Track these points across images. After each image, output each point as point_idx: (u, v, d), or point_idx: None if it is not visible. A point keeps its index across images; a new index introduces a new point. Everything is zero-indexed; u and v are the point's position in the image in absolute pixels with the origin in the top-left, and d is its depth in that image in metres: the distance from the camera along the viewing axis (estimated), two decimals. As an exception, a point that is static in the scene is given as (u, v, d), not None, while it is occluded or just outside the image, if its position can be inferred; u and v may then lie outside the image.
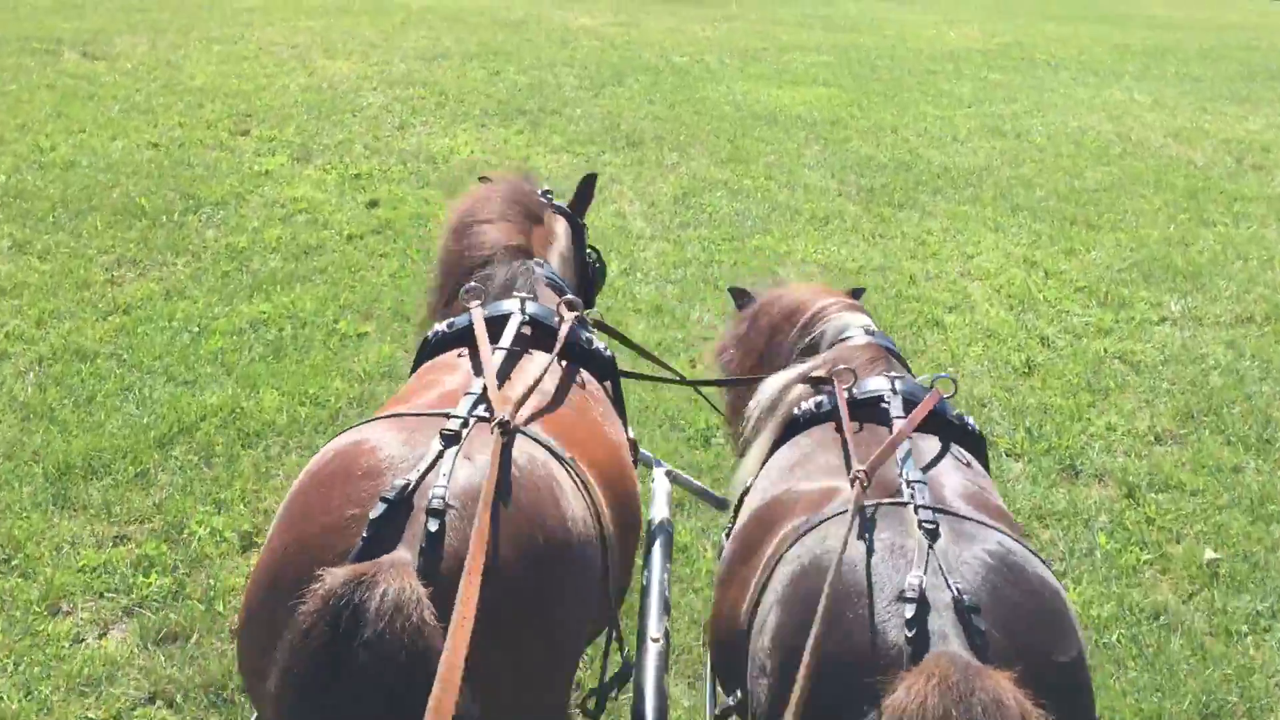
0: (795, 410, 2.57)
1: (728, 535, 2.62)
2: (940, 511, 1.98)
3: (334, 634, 1.59)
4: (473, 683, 1.61)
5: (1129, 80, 15.93)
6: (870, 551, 1.88)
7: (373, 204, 8.34)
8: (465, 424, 2.01)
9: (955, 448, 2.38)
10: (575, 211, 3.43)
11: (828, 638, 1.74)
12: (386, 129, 10.48)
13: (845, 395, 2.43)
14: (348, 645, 1.58)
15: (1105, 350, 6.65)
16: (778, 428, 2.63)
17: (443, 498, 1.80)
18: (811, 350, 2.89)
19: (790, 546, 2.05)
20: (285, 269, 6.98)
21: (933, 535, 1.89)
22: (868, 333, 2.84)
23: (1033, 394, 6.04)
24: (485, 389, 2.15)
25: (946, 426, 2.42)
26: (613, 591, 2.28)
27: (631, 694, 2.57)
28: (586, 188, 3.50)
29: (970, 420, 2.51)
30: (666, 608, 2.72)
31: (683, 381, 3.51)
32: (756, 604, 2.06)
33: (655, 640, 2.56)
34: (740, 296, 3.42)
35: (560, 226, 3.27)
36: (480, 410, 2.10)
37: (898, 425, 2.29)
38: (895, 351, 2.79)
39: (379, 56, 13.63)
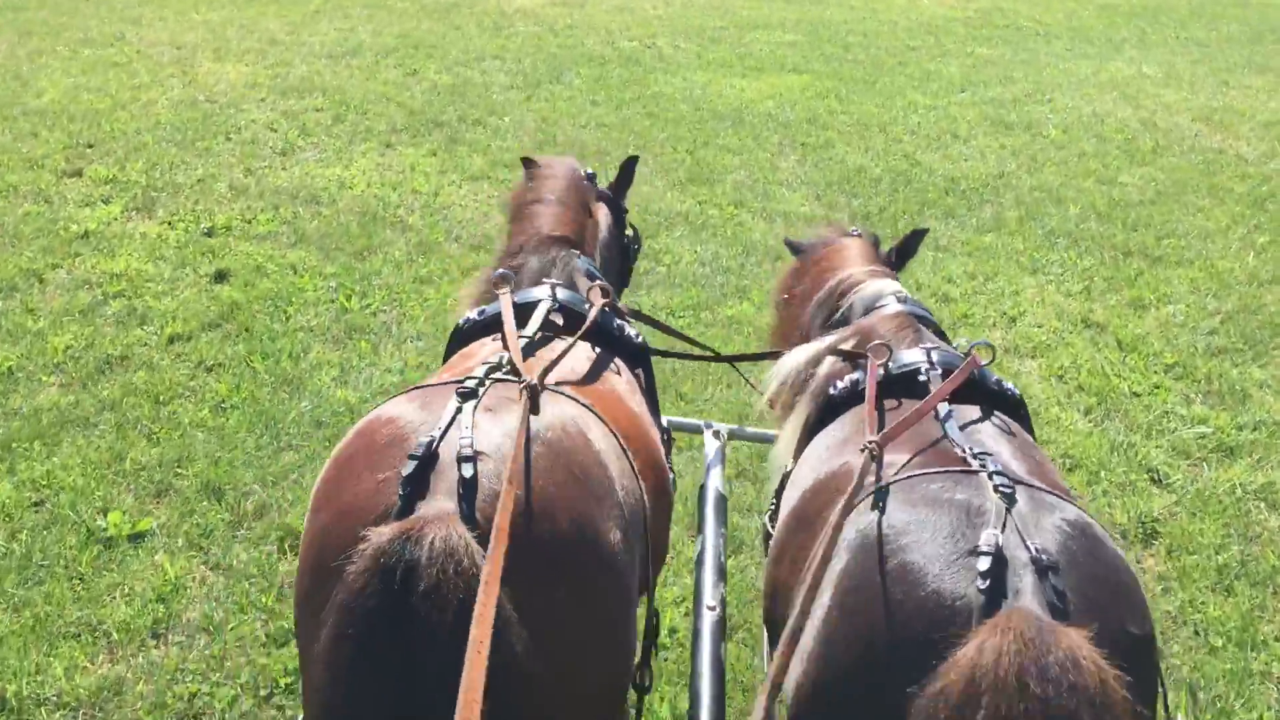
0: (831, 390, 2.40)
1: (770, 518, 2.52)
2: (1017, 480, 1.83)
3: (389, 590, 1.51)
4: (526, 636, 1.59)
5: (1130, 49, 13.67)
6: (946, 510, 1.75)
7: (220, 277, 6.00)
8: (482, 383, 1.94)
9: (999, 416, 2.20)
10: (615, 195, 3.27)
11: (895, 589, 1.65)
12: (264, 156, 8.09)
13: (880, 372, 2.29)
14: (405, 599, 1.51)
15: (1239, 488, 4.46)
16: (814, 407, 2.45)
17: (470, 445, 1.72)
18: (843, 322, 2.71)
19: (854, 513, 1.87)
20: (57, 408, 4.67)
21: (1009, 500, 1.75)
22: (899, 300, 2.65)
23: (1167, 594, 3.84)
24: (502, 359, 2.07)
25: (988, 395, 2.26)
26: (651, 561, 2.15)
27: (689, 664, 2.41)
28: (628, 170, 3.32)
29: (1010, 385, 2.33)
30: (722, 574, 2.56)
31: (717, 358, 3.34)
32: (816, 571, 1.81)
33: (711, 608, 2.43)
34: (795, 249, 3.23)
35: (603, 213, 3.13)
36: (498, 374, 2.02)
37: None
38: (930, 319, 2.63)
39: (278, 56, 11.19)
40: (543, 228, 2.84)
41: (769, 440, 3.18)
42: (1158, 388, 5.24)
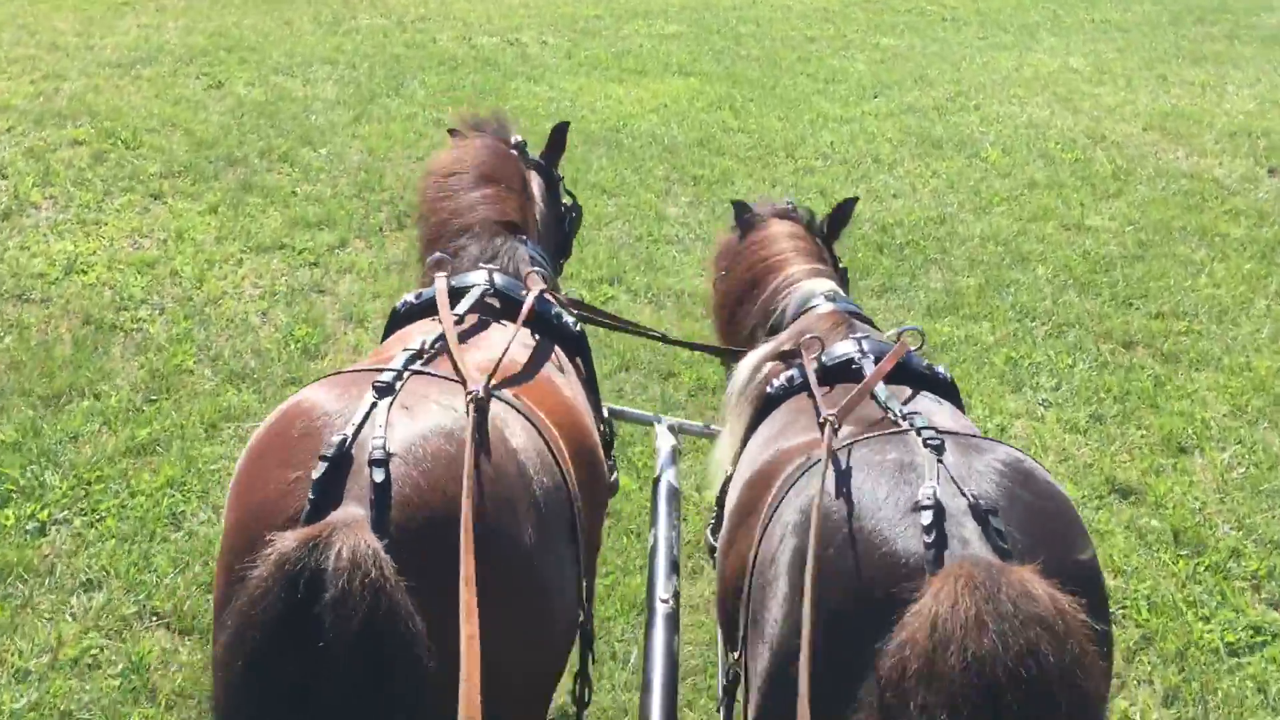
0: (768, 388, 2.32)
1: (713, 530, 2.50)
2: (943, 431, 1.82)
3: (292, 598, 1.42)
4: (432, 643, 1.50)
5: (1046, 36, 11.85)
6: (880, 471, 1.73)
7: None
8: (399, 375, 1.82)
9: (930, 395, 2.15)
10: (547, 162, 3.07)
11: (843, 555, 1.63)
12: (-23, 223, 5.79)
13: (815, 364, 2.25)
14: (309, 609, 1.42)
15: None
16: (752, 406, 2.38)
17: (382, 447, 1.61)
18: (777, 327, 2.65)
19: (788, 492, 1.86)
20: None
21: (939, 450, 1.74)
22: (829, 299, 2.60)
23: None
24: (422, 345, 1.96)
25: (918, 379, 2.19)
26: (584, 564, 2.02)
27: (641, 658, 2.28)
28: (559, 136, 3.09)
29: (941, 369, 2.27)
30: (675, 568, 2.48)
31: (664, 340, 3.29)
32: (759, 556, 1.84)
33: (664, 601, 2.36)
34: (742, 211, 3.05)
35: (536, 184, 2.93)
36: (417, 365, 1.91)
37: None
38: (860, 314, 2.58)
39: (51, 66, 8.69)
40: (481, 212, 2.63)
41: (715, 434, 3.03)
42: (1235, 610, 3.32)
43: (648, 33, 11.42)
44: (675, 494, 2.76)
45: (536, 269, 2.50)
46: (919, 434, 1.79)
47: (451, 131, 3.00)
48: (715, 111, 8.52)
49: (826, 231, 2.94)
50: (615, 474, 2.55)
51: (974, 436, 1.83)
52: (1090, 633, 1.45)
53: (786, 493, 1.85)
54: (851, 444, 1.81)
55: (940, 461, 1.70)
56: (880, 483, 1.69)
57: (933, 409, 2.03)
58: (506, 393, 1.98)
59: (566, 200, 3.10)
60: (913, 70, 10.11)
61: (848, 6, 13.54)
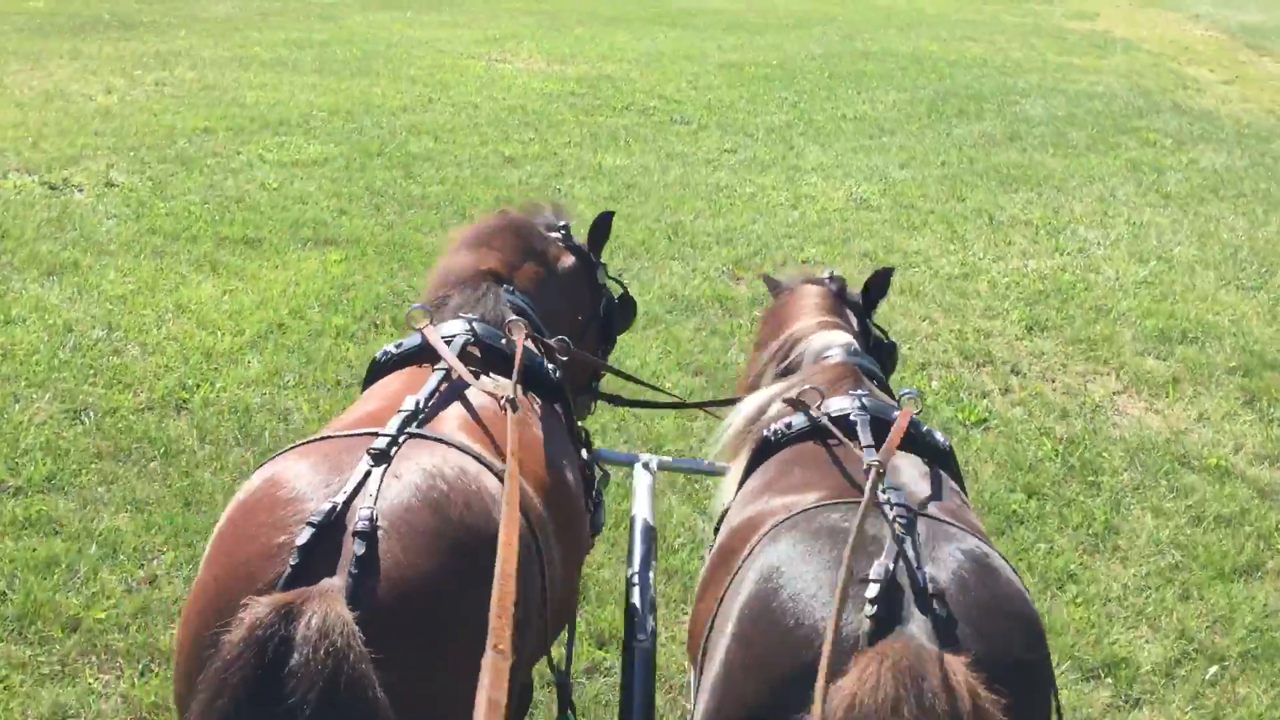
0: (766, 431, 2.22)
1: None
2: (916, 513, 1.73)
3: (261, 663, 1.37)
4: (381, 698, 1.41)
5: (806, 144, 8.99)
6: (840, 541, 1.64)
7: None
8: (394, 442, 1.72)
9: (925, 463, 2.03)
10: (589, 247, 2.88)
11: (786, 619, 1.57)
12: None
13: (812, 417, 2.16)
14: (275, 674, 1.36)
15: None
16: (752, 449, 2.28)
17: (369, 519, 1.54)
18: (789, 372, 2.52)
19: (756, 547, 1.78)
20: None
21: (908, 529, 1.65)
22: (847, 352, 2.46)
23: None
24: (417, 405, 1.85)
25: (917, 443, 2.08)
26: (551, 611, 1.89)
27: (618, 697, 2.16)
28: (602, 225, 2.89)
29: (940, 435, 2.15)
30: (652, 607, 2.35)
31: (681, 405, 3.35)
32: (721, 607, 1.78)
33: (640, 641, 2.24)
34: (773, 285, 2.96)
35: (566, 261, 2.76)
36: (412, 428, 1.80)
37: (866, 443, 1.98)
38: (871, 371, 2.44)
39: None
40: (467, 264, 2.51)
41: (699, 469, 3.14)
42: None
43: (277, 159, 7.60)
44: (652, 532, 2.59)
45: (517, 318, 2.33)
46: (890, 509, 1.70)
47: (501, 211, 2.85)
48: (363, 328, 4.90)
49: (863, 301, 2.76)
50: (601, 512, 2.46)
51: (946, 522, 1.72)
52: None
53: (754, 551, 1.76)
54: (820, 508, 1.76)
55: (902, 540, 1.62)
56: (836, 550, 1.61)
57: (919, 482, 1.91)
58: (465, 436, 1.87)
59: (609, 290, 2.93)
60: (652, 206, 6.88)
61: (550, 102, 10.22)
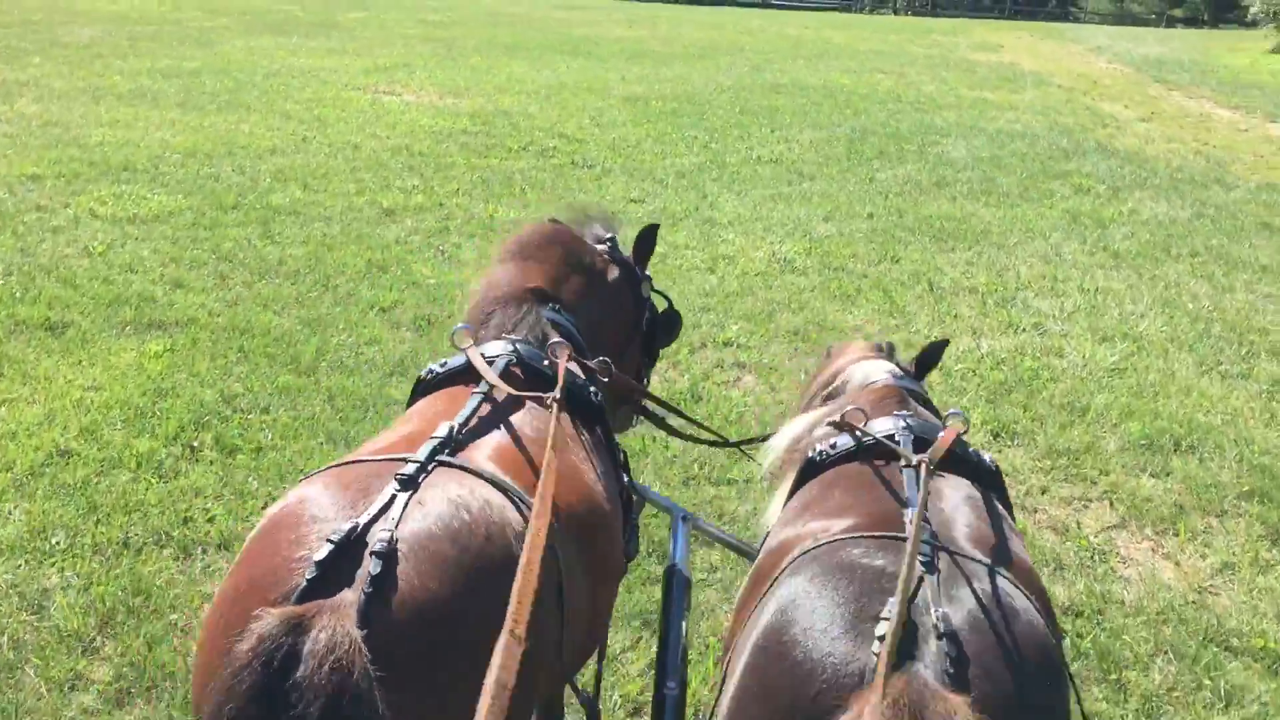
0: (811, 452, 2.17)
1: None
2: (942, 549, 1.66)
3: (267, 674, 1.35)
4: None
5: (721, 193, 8.09)
6: (858, 576, 1.60)
7: None
8: (423, 469, 1.69)
9: (972, 485, 1.96)
10: (635, 259, 2.81)
11: (795, 651, 1.53)
12: None
13: (857, 436, 2.10)
14: (280, 686, 1.34)
15: None
16: (797, 469, 2.23)
17: (388, 541, 1.50)
18: (835, 396, 2.53)
19: (781, 576, 1.73)
20: None
21: (929, 567, 1.59)
22: (894, 377, 2.45)
23: None
24: (451, 431, 1.81)
25: (962, 463, 2.01)
26: (570, 647, 1.85)
27: None
28: (648, 237, 2.80)
29: (987, 456, 2.08)
30: (683, 656, 2.30)
31: (725, 444, 3.00)
32: (747, 626, 1.75)
33: (670, 689, 2.20)
34: (827, 349, 2.99)
35: (611, 274, 2.69)
36: (444, 455, 1.76)
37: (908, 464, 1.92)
38: (917, 393, 2.40)
39: None
40: (510, 281, 2.45)
41: (729, 543, 3.00)
42: None
43: (111, 214, 6.43)
44: (686, 584, 2.51)
45: (560, 340, 2.27)
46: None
47: (552, 221, 2.76)
48: (173, 456, 3.81)
49: (915, 370, 2.63)
50: (636, 538, 2.38)
51: (975, 559, 1.66)
52: None
53: (778, 579, 1.72)
54: (845, 540, 1.71)
55: (924, 577, 1.57)
56: (854, 586, 1.58)
57: (958, 509, 1.84)
58: (494, 465, 1.82)
59: (654, 304, 2.89)
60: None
61: (441, 140, 9.18)
